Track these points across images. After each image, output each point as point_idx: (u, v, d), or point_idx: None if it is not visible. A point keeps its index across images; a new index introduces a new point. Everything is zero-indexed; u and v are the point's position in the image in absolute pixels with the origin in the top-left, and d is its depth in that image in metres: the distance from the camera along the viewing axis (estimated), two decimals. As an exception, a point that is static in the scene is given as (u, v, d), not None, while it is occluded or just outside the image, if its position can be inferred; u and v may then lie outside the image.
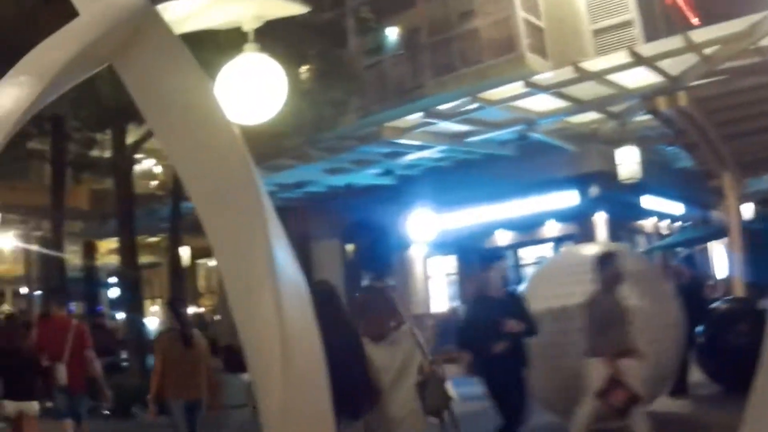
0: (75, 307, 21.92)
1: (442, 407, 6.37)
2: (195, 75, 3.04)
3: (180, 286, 20.31)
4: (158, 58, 2.99)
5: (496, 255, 10.47)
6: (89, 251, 26.43)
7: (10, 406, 7.88)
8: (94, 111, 14.97)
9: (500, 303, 7.04)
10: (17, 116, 2.58)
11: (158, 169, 26.48)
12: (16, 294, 38.45)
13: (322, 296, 5.39)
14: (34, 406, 8.00)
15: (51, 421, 8.65)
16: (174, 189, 18.22)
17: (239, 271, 3.07)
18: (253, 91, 3.85)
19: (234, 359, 8.41)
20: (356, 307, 7.24)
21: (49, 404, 8.88)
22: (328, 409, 3.06)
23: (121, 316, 22.38)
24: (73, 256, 27.08)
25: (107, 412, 10.98)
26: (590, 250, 8.88)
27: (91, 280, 26.36)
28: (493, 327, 6.73)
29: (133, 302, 17.84)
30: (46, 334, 8.69)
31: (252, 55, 3.84)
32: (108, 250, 29.78)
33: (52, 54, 2.77)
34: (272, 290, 2.91)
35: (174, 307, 7.89)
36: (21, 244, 29.11)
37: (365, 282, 11.77)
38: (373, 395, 5.87)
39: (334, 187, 20.13)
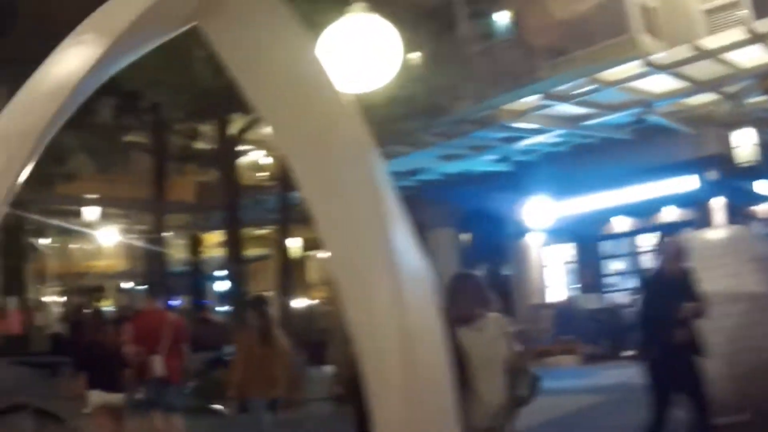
0: (180, 300, 26.84)
1: (525, 401, 6.97)
2: (297, 37, 3.07)
3: (289, 279, 24.44)
4: (252, 17, 3.01)
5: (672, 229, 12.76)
6: (195, 244, 32.24)
7: (96, 398, 9.63)
8: (196, 101, 19.26)
9: (677, 283, 7.90)
10: (82, 76, 2.85)
11: (265, 160, 31.36)
12: (119, 289, 46.31)
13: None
14: (119, 398, 9.76)
15: (141, 413, 10.73)
16: (282, 179, 22.13)
17: (353, 260, 3.30)
18: (363, 55, 3.95)
19: (319, 353, 9.63)
20: (446, 292, 8.00)
21: (138, 397, 10.74)
22: (451, 413, 3.30)
23: (228, 309, 26.64)
24: (178, 250, 33.42)
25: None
26: (718, 234, 10.96)
27: (197, 274, 31.96)
28: (672, 310, 7.63)
29: (239, 295, 21.51)
30: (141, 327, 10.75)
31: (360, 15, 3.85)
32: (214, 242, 35.60)
33: (120, 10, 2.96)
34: (391, 283, 3.13)
35: (256, 305, 9.75)
36: (123, 239, 35.47)
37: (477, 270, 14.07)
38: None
39: (448, 174, 23.81)
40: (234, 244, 21.87)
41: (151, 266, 29.71)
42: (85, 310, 24.82)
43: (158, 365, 10.36)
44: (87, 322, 14.00)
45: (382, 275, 3.24)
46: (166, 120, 21.89)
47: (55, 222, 32.15)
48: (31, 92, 3.37)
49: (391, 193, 3.47)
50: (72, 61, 3.14)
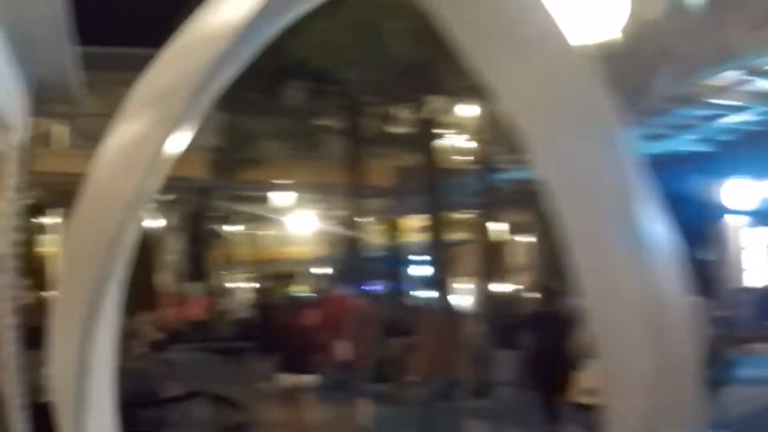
0: (377, 286, 31.01)
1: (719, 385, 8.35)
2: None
3: (490, 264, 28.10)
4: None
5: None
6: (392, 229, 36.54)
7: (287, 380, 11.93)
8: (390, 79, 22.68)
9: None
10: (246, 20, 3.47)
11: (462, 143, 34.25)
12: (313, 274, 50.37)
13: None
14: (309, 380, 12.02)
15: (326, 396, 12.90)
16: (483, 161, 26.01)
17: (594, 240, 3.68)
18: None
19: (509, 336, 11.96)
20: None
21: (324, 380, 12.67)
22: (697, 406, 3.71)
23: (427, 295, 29.25)
24: (375, 235, 37.58)
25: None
26: None
27: (395, 259, 35.96)
28: None
29: (438, 280, 25.05)
30: (328, 313, 13.25)
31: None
32: (412, 227, 40.50)
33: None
34: (638, 268, 3.53)
35: (441, 288, 13.40)
36: (316, 225, 41.11)
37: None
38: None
39: (647, 155, 26.77)
40: (435, 228, 25.47)
41: (345, 252, 34.21)
42: (273, 296, 29.93)
43: (343, 350, 12.74)
44: (277, 307, 16.73)
45: (628, 258, 3.54)
46: (360, 103, 25.84)
47: (244, 208, 38.75)
48: (186, 40, 3.79)
49: (637, 163, 3.84)
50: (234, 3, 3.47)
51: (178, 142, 3.99)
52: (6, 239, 5.64)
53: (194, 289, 32.66)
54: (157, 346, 22.84)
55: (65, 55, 6.22)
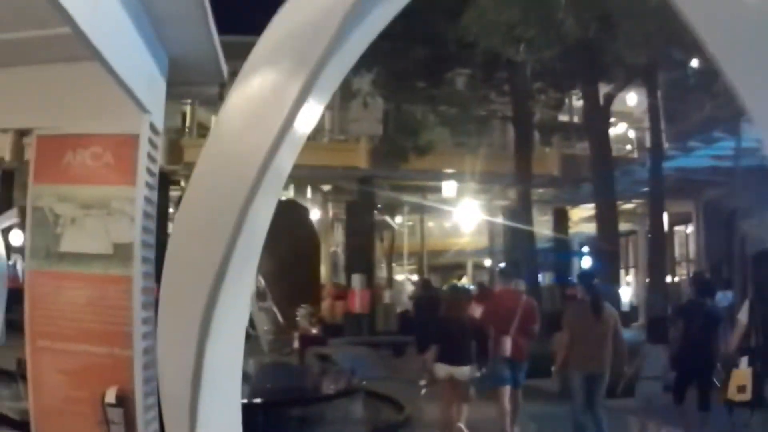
0: (543, 278, 30.63)
1: None
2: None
3: (658, 254, 27.48)
4: None
5: None
6: (560, 219, 36.01)
7: (442, 370, 12.24)
8: (560, 62, 22.45)
9: None
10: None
11: (629, 132, 34.89)
12: (478, 266, 52.17)
13: None
14: (465, 371, 12.24)
15: (481, 388, 13.00)
16: (653, 150, 25.22)
17: None
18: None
19: (657, 331, 12.80)
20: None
21: (482, 372, 12.83)
22: None
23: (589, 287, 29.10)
24: (542, 226, 36.52)
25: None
26: None
27: (562, 250, 35.85)
28: None
29: (607, 272, 24.26)
30: (495, 307, 13.46)
31: None
32: (581, 217, 39.52)
33: None
34: None
35: (585, 280, 12.28)
36: (483, 215, 40.36)
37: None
38: None
39: None
40: (605, 218, 24.79)
41: (513, 243, 33.91)
42: (437, 288, 28.97)
43: (507, 345, 12.61)
44: (440, 299, 16.77)
45: None
46: (529, 89, 25.38)
47: (409, 198, 38.01)
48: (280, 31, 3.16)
49: None
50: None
51: (319, 96, 3.16)
52: (142, 227, 5.04)
53: (355, 281, 31.88)
54: (317, 341, 22.78)
55: (203, 36, 5.59)
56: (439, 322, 13.25)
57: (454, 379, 12.21)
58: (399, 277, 51.99)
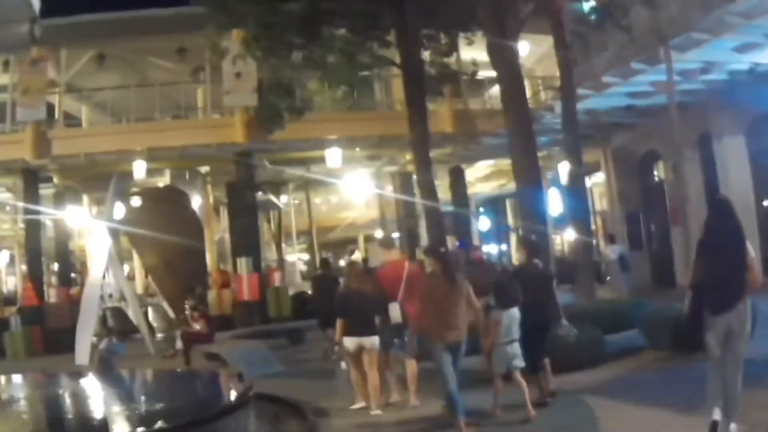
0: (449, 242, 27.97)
1: None
2: None
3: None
4: None
5: None
6: (457, 180, 33.32)
7: (350, 343, 12.82)
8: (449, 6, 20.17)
9: None
10: None
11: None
12: (370, 239, 49.92)
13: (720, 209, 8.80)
14: (373, 341, 12.79)
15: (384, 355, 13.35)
16: (564, 90, 21.33)
17: None
18: None
19: (503, 295, 11.71)
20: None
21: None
22: None
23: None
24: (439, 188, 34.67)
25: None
26: None
27: (461, 212, 33.16)
28: None
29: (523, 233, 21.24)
30: (385, 277, 13.62)
31: None
32: (476, 177, 37.04)
33: None
34: None
35: (433, 251, 11.89)
36: (372, 185, 37.95)
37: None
38: None
39: (737, 73, 23.35)
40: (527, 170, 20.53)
41: (406, 212, 32.49)
42: (331, 265, 25.95)
43: (395, 312, 12.92)
44: (335, 276, 17.13)
45: None
46: (417, 36, 22.30)
47: (293, 172, 35.23)
48: None
49: None
50: None
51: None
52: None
53: (244, 265, 28.33)
54: (200, 338, 19.87)
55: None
56: (342, 296, 13.52)
57: (362, 348, 12.73)
58: (290, 257, 49.45)
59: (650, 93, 24.20)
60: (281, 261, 44.45)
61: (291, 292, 31.58)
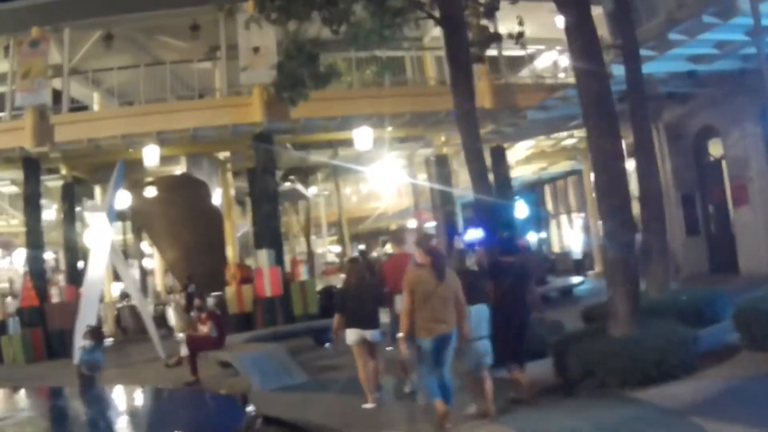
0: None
1: None
2: None
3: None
4: None
5: None
6: (499, 160, 29.85)
7: (352, 335, 12.88)
8: None
9: None
10: None
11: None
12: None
13: None
14: (374, 333, 12.98)
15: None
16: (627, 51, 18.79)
17: None
18: None
19: (470, 291, 11.05)
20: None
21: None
22: None
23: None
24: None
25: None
26: None
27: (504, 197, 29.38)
28: None
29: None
30: (390, 269, 13.71)
31: None
32: (516, 160, 33.72)
33: None
34: None
35: (426, 243, 11.24)
36: (404, 171, 35.28)
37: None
38: None
39: None
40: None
41: (443, 199, 29.65)
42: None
43: (399, 303, 12.10)
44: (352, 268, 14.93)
45: None
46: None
47: (318, 157, 31.83)
48: None
49: None
50: None
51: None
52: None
53: (264, 257, 24.91)
54: (209, 343, 16.91)
55: None
56: (342, 292, 13.92)
57: (365, 340, 12.93)
58: (320, 249, 47.98)
59: (714, 57, 21.05)
60: (310, 253, 41.98)
61: (319, 286, 28.24)
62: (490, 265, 12.55)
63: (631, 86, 16.94)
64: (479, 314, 11.10)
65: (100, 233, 21.57)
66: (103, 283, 23.12)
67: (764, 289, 12.93)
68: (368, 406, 12.70)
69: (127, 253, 43.61)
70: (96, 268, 21.41)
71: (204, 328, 16.80)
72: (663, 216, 17.28)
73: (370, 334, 12.85)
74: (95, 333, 14.75)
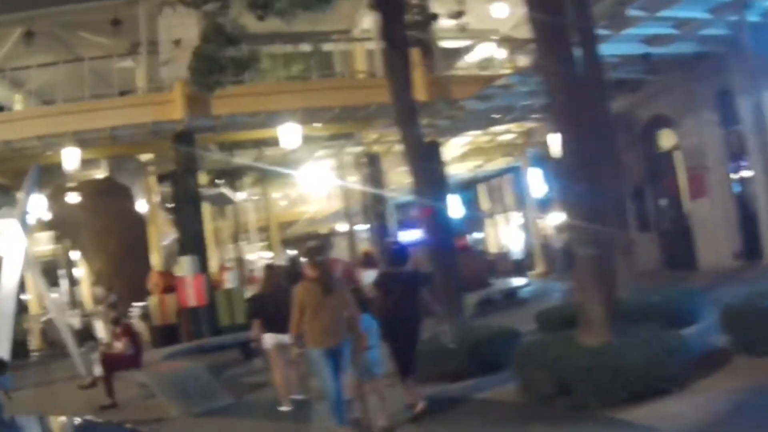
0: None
1: None
2: None
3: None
4: None
5: None
6: (433, 156, 27.87)
7: (270, 339, 13.05)
8: None
9: None
10: None
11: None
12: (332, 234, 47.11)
13: None
14: (288, 338, 12.51)
15: None
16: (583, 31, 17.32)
17: None
18: None
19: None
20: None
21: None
22: None
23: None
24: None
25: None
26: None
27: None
28: None
29: None
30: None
31: None
32: (451, 157, 32.21)
33: None
34: None
35: (313, 256, 10.91)
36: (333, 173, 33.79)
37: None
38: None
39: None
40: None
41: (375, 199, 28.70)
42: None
43: None
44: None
45: None
46: None
47: (241, 159, 30.01)
48: None
49: None
50: None
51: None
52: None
53: (188, 265, 23.09)
54: (124, 361, 14.83)
55: None
56: (259, 297, 14.03)
57: (280, 344, 12.96)
58: (250, 256, 44.92)
59: (671, 38, 19.72)
60: (240, 260, 40.00)
61: (249, 293, 25.89)
62: (379, 275, 12.60)
63: (589, 69, 15.22)
64: (366, 324, 10.93)
65: (12, 241, 19.36)
66: (17, 295, 20.96)
67: (737, 284, 11.61)
68: (284, 409, 12.79)
69: (56, 263, 41.71)
70: (9, 279, 19.17)
71: (119, 345, 14.79)
72: (625, 208, 15.82)
73: (285, 338, 12.26)
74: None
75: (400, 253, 12.90)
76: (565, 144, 11.41)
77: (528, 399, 10.45)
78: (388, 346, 11.33)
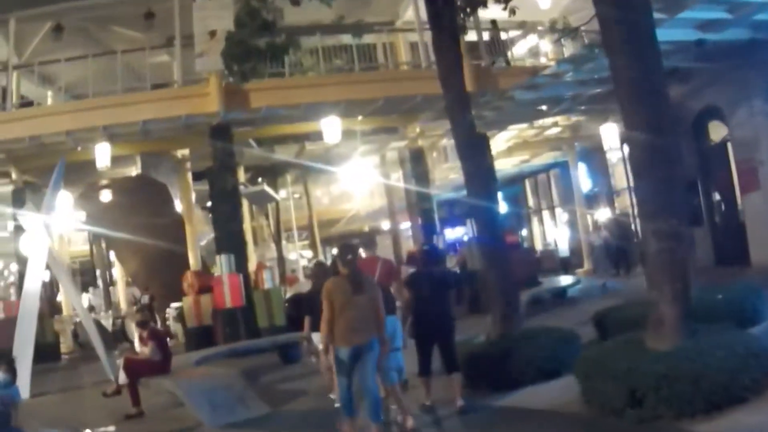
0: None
1: None
2: None
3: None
4: None
5: None
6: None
7: (318, 338, 12.29)
8: None
9: None
10: None
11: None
12: (375, 231, 45.74)
13: None
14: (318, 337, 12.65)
15: None
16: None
17: None
18: None
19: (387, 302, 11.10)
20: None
21: None
22: None
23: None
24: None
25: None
26: None
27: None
28: None
29: None
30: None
31: None
32: (496, 152, 30.99)
33: None
34: None
35: (344, 255, 10.59)
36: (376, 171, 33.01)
37: None
38: None
39: None
40: None
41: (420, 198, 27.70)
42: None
43: None
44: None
45: None
46: None
47: (281, 155, 29.07)
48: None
49: None
50: None
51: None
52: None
53: (224, 263, 21.93)
54: (149, 367, 13.74)
55: None
56: (309, 295, 13.50)
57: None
58: (292, 255, 45.00)
59: (724, 23, 18.42)
60: (281, 259, 39.23)
61: (289, 294, 24.41)
62: (409, 276, 12.65)
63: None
64: (392, 326, 11.24)
65: (37, 240, 18.28)
66: (54, 297, 19.96)
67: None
68: (333, 396, 12.29)
69: (92, 263, 41.08)
70: (33, 278, 18.08)
71: (145, 350, 13.62)
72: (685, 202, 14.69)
73: None
74: (9, 365, 11.65)
75: (430, 254, 13.04)
76: (633, 136, 10.26)
77: (592, 410, 9.19)
78: (416, 345, 11.53)
